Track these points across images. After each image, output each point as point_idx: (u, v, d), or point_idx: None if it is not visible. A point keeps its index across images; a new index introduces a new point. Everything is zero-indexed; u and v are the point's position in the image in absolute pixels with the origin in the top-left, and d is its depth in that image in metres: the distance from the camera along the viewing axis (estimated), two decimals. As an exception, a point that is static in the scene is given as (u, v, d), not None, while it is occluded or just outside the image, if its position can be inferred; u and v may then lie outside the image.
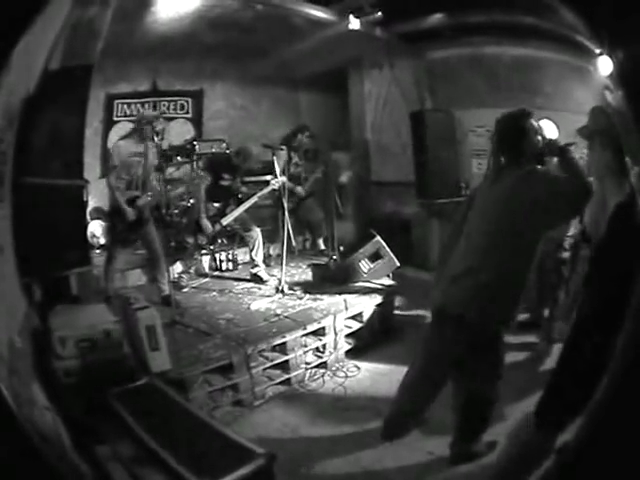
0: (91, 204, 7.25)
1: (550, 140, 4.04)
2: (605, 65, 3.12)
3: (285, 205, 7.78)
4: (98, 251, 7.32)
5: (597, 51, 3.29)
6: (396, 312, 7.49)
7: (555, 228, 4.73)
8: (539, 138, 3.97)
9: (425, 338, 4.30)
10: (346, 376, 6.10)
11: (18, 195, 3.35)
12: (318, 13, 8.01)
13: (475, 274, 3.85)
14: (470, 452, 4.33)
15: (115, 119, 9.57)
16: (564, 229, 5.83)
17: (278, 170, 7.95)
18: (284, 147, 9.07)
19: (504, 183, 3.92)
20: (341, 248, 8.54)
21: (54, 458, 2.77)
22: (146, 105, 10.07)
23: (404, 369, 5.05)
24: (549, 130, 5.38)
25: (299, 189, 9.11)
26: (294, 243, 8.35)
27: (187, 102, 10.63)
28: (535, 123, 3.97)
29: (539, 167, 3.95)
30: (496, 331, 4.05)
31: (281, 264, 7.60)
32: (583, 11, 2.82)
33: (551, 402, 3.39)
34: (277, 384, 5.83)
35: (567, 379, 3.31)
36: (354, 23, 8.04)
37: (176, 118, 10.56)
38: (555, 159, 4.03)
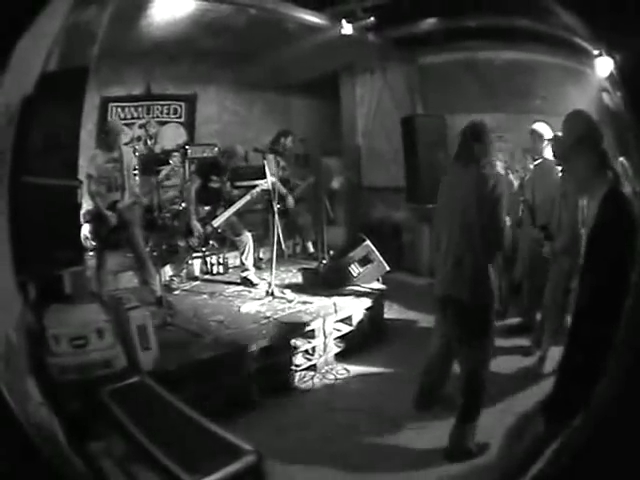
0: (85, 206, 7.26)
1: None
2: (603, 66, 3.15)
3: (275, 208, 7.78)
4: (92, 253, 7.31)
5: (595, 52, 3.33)
6: (386, 316, 7.52)
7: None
8: (493, 147, 4.90)
9: (436, 322, 5.22)
10: (335, 379, 6.13)
11: (15, 194, 3.38)
12: (311, 18, 8.03)
13: (460, 263, 4.68)
14: (465, 446, 4.60)
15: (110, 122, 9.53)
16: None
17: (268, 173, 7.94)
18: (271, 152, 9.11)
19: (462, 182, 4.81)
20: (331, 252, 8.58)
21: (49, 452, 2.79)
22: (140, 109, 10.09)
23: (393, 372, 5.22)
24: (545, 132, 5.51)
25: (290, 200, 9.09)
26: (284, 247, 8.36)
27: (180, 106, 10.61)
28: (489, 133, 4.84)
29: (488, 167, 4.75)
30: (489, 312, 4.73)
31: (271, 267, 7.63)
32: (581, 13, 2.84)
33: (558, 396, 3.47)
34: (268, 385, 5.81)
35: (571, 372, 3.38)
36: (347, 28, 8.05)
37: (169, 122, 10.56)
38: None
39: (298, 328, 6.38)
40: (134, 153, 8.03)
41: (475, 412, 4.71)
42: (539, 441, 3.45)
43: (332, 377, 6.18)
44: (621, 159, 3.57)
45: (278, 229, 7.80)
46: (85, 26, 4.82)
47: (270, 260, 7.81)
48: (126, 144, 9.19)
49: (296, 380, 6.09)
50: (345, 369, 6.33)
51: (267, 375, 5.84)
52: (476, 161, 4.73)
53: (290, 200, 9.05)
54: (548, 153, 6.18)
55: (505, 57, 8.13)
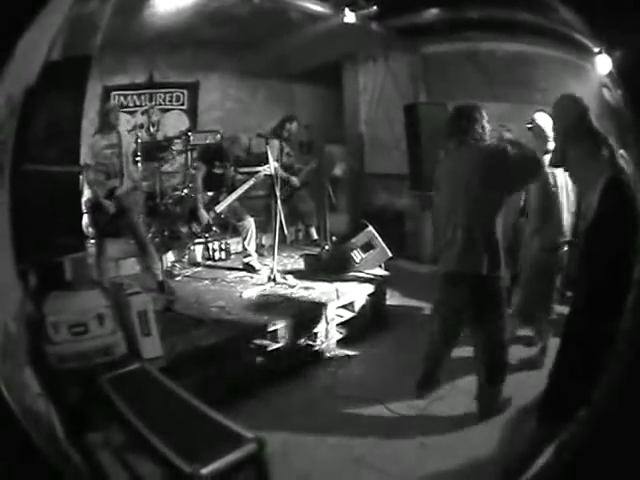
0: (86, 194, 7.24)
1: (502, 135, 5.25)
2: (603, 64, 3.14)
3: (277, 193, 7.79)
4: (93, 241, 7.31)
5: (595, 50, 3.32)
6: (388, 302, 7.53)
7: (513, 191, 5.34)
8: (485, 124, 4.98)
9: (439, 300, 5.35)
10: (337, 365, 6.11)
11: (17, 182, 3.37)
12: (314, 6, 8.04)
13: (471, 237, 4.84)
14: (494, 401, 4.97)
15: (112, 110, 9.52)
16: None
17: (271, 158, 7.94)
18: (275, 137, 9.11)
19: (459, 160, 5.05)
20: (334, 238, 8.58)
21: (46, 447, 2.79)
22: (142, 97, 10.07)
23: (395, 358, 5.24)
24: (545, 122, 5.49)
25: (294, 179, 9.09)
26: (286, 232, 8.37)
27: (183, 94, 10.58)
28: (483, 112, 5.00)
29: (485, 144, 4.99)
30: (500, 279, 4.95)
31: (273, 252, 7.64)
32: (582, 10, 2.83)
33: (554, 395, 3.41)
34: (269, 372, 5.81)
35: (567, 370, 3.33)
36: (349, 16, 8.05)
37: (171, 109, 10.54)
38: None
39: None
40: (136, 140, 8.00)
41: (503, 374, 5.02)
42: (536, 438, 3.44)
43: (334, 363, 6.15)
44: (621, 151, 3.55)
45: (280, 215, 7.80)
46: (88, 17, 4.83)
47: (272, 246, 7.81)
48: (129, 132, 9.18)
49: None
50: (347, 355, 6.34)
51: (268, 361, 5.85)
52: (467, 138, 4.97)
53: (294, 180, 9.04)
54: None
55: (507, 48, 8.12)
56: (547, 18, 5.91)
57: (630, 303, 2.78)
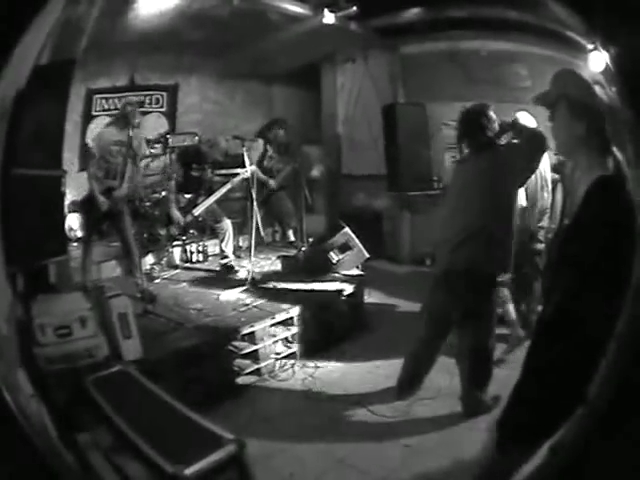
0: (69, 197, 7.17)
1: (502, 122, 4.93)
2: (597, 61, 3.11)
3: (254, 195, 7.84)
4: (75, 244, 7.27)
5: (589, 47, 3.31)
6: (366, 303, 7.56)
7: (524, 180, 5.10)
8: (495, 126, 4.88)
9: (430, 299, 5.22)
10: (316, 367, 6.13)
11: (5, 186, 3.40)
12: (293, 7, 8.05)
13: (475, 238, 4.74)
14: (480, 402, 4.92)
15: (94, 113, 9.52)
16: (537, 219, 5.96)
17: (248, 161, 7.97)
18: (259, 139, 9.13)
19: (472, 165, 4.98)
20: (310, 240, 8.61)
21: (42, 448, 2.81)
22: (123, 99, 10.06)
23: (372, 358, 5.28)
24: (527, 122, 5.47)
25: (271, 182, 9.10)
26: (262, 234, 8.40)
27: (162, 96, 10.57)
28: (491, 113, 4.90)
29: (496, 145, 4.93)
30: (494, 280, 4.99)
31: (250, 254, 7.69)
32: (576, 6, 2.84)
33: (515, 416, 3.21)
34: (247, 374, 5.86)
35: (534, 385, 3.07)
36: (329, 17, 8.07)
37: (151, 112, 10.55)
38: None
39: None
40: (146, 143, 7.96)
41: (488, 376, 5.01)
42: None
43: (312, 365, 6.18)
44: (615, 149, 3.45)
45: (257, 217, 7.85)
46: (75, 21, 4.85)
47: (249, 248, 7.84)
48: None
49: (276, 368, 6.11)
50: (325, 356, 6.35)
51: (247, 363, 5.89)
52: (479, 146, 4.91)
53: (271, 182, 9.05)
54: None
55: (490, 47, 8.15)
56: (535, 15, 5.95)
57: (616, 309, 2.70)
